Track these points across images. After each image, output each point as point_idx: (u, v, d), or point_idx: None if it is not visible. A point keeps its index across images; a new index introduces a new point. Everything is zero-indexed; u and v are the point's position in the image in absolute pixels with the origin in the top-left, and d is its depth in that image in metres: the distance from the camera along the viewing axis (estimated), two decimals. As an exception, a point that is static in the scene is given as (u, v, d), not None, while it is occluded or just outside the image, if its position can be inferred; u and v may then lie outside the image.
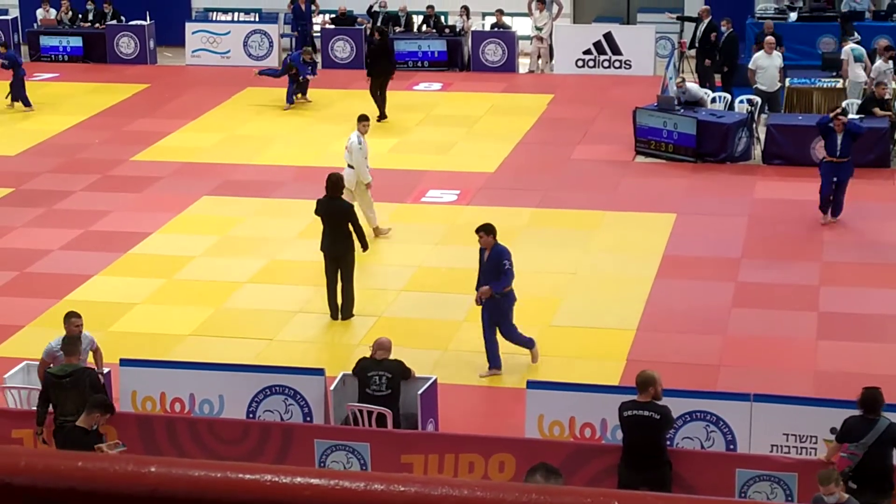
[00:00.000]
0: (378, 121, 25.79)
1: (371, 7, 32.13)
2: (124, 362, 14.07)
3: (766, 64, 24.92)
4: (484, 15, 32.12)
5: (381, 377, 13.27)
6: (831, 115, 19.93)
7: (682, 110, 23.57)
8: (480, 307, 15.27)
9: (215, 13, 33.83)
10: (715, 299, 17.35)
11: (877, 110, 23.07)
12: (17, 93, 27.76)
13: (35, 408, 12.84)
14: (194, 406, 13.79)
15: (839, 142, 19.52)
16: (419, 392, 13.25)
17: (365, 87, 27.31)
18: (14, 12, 34.28)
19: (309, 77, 27.71)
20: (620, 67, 30.19)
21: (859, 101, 23.80)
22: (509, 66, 30.85)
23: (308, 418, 13.53)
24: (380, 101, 26.11)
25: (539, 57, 31.07)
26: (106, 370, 13.69)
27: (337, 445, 12.67)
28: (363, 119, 19.79)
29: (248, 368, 14.25)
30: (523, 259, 18.96)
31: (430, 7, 31.51)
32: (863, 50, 25.18)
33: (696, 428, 12.62)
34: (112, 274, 18.62)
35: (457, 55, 31.12)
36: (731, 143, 23.07)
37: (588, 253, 19.13)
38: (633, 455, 11.88)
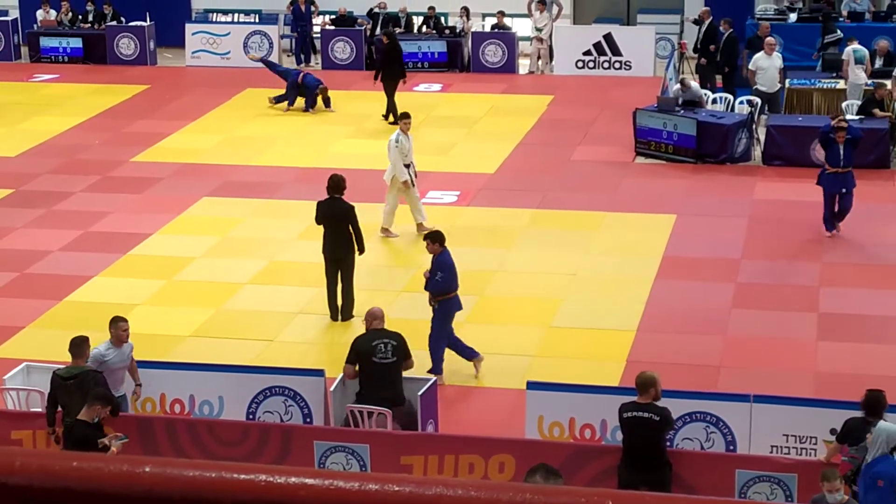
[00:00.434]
0: (390, 123, 25.88)
1: (371, 8, 32.13)
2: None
3: (766, 65, 24.93)
4: (484, 16, 32.12)
5: (387, 344, 13.33)
6: (833, 123, 19.52)
7: (682, 111, 23.56)
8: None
9: (215, 14, 33.82)
10: (715, 300, 17.35)
11: (876, 111, 23.08)
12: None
13: (34, 409, 12.84)
14: (194, 407, 13.79)
15: (842, 152, 19.11)
16: (419, 393, 13.24)
17: (365, 89, 27.32)
18: (14, 13, 34.28)
19: (309, 111, 27.48)
20: (620, 68, 30.19)
21: (859, 103, 23.81)
22: (509, 67, 30.84)
23: (308, 419, 13.53)
24: (390, 104, 26.10)
25: (539, 58, 31.07)
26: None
27: (336, 447, 12.67)
28: (403, 117, 19.88)
29: (248, 370, 14.24)
30: (523, 260, 18.99)
31: (431, 8, 31.51)
32: (865, 52, 25.18)
33: (696, 429, 12.62)
34: (112, 275, 18.62)
35: (457, 56, 31.12)
36: (731, 144, 23.07)
37: (588, 254, 19.13)
38: (633, 456, 11.88)
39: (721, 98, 25.14)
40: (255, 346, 16.23)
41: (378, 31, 31.61)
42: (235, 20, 33.42)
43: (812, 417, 12.48)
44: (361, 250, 16.73)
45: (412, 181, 19.52)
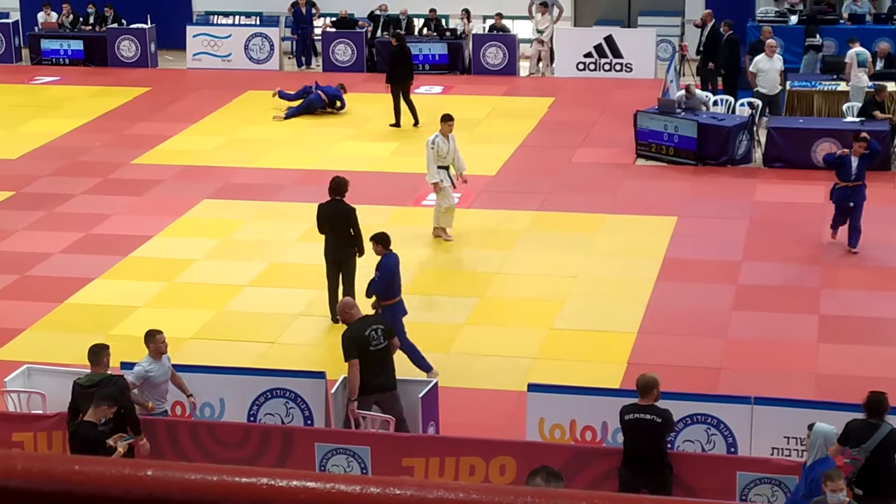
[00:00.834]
0: (391, 126, 25.93)
1: (373, 11, 32.14)
2: (125, 366, 14.04)
3: (767, 67, 24.93)
4: (485, 18, 32.12)
5: (377, 330, 13.40)
6: (854, 142, 18.87)
7: (682, 113, 23.57)
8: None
9: (216, 16, 33.82)
10: (716, 302, 17.35)
11: (877, 113, 23.08)
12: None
13: (35, 412, 12.82)
14: (195, 409, 13.78)
15: (854, 166, 18.74)
16: (420, 395, 13.24)
17: (366, 91, 27.36)
18: (15, 15, 34.31)
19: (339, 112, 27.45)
20: (621, 70, 30.20)
21: (860, 105, 23.81)
22: (510, 69, 30.86)
23: (309, 422, 13.53)
24: (409, 107, 26.06)
25: (540, 60, 31.08)
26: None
27: (337, 449, 12.67)
28: (443, 119, 19.59)
29: (249, 372, 14.24)
30: (524, 262, 18.99)
31: (432, 10, 31.52)
32: (867, 54, 25.18)
33: (697, 431, 12.61)
34: (113, 277, 18.62)
35: (458, 58, 31.13)
36: (732, 146, 23.07)
37: (589, 256, 19.13)
38: (634, 458, 11.88)
39: (722, 100, 25.15)
40: (256, 348, 16.23)
41: (379, 33, 31.65)
42: (236, 22, 33.42)
43: (813, 419, 12.44)
44: (361, 252, 16.71)
45: (453, 184, 19.43)
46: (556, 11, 31.16)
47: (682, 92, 24.32)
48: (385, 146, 25.07)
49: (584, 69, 30.39)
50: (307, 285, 17.90)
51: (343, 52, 31.43)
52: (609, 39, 30.35)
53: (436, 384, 13.62)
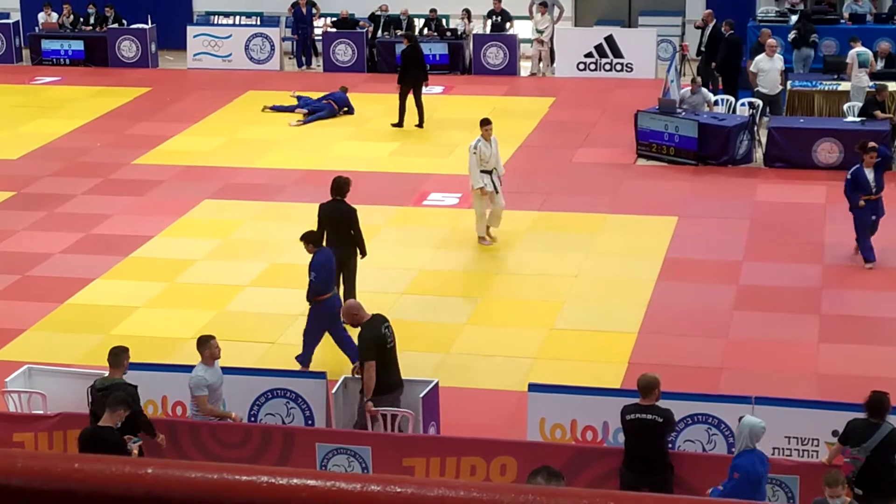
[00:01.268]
0: (393, 126, 25.90)
1: (374, 12, 32.12)
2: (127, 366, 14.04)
3: (768, 67, 24.93)
4: (485, 18, 32.09)
5: (389, 328, 13.44)
6: (863, 153, 18.17)
7: (683, 113, 23.56)
8: None
9: (216, 17, 33.82)
10: (716, 302, 17.34)
11: (878, 113, 23.08)
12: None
13: (36, 412, 12.81)
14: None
15: (872, 177, 18.06)
16: (421, 395, 13.24)
17: (366, 91, 27.33)
18: (16, 16, 34.32)
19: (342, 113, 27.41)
20: (622, 70, 30.20)
21: (860, 104, 23.80)
22: (511, 69, 30.85)
23: (310, 422, 13.53)
24: (418, 107, 26.01)
25: (540, 60, 31.08)
26: (107, 374, 13.63)
27: (338, 449, 12.67)
28: (482, 123, 19.35)
29: (250, 372, 14.24)
30: (525, 262, 18.99)
31: (433, 10, 31.51)
32: (869, 54, 25.18)
33: (698, 431, 12.61)
34: (113, 277, 18.62)
35: (458, 58, 31.13)
36: (733, 146, 23.06)
37: (590, 256, 19.12)
38: (635, 458, 11.87)
39: (722, 100, 25.14)
40: (256, 348, 16.23)
41: (380, 33, 31.65)
42: (237, 22, 33.42)
43: (814, 419, 12.48)
44: (363, 254, 16.69)
45: (496, 188, 19.22)
46: (556, 11, 31.15)
47: (687, 89, 24.30)
48: (386, 146, 25.06)
49: (584, 69, 30.39)
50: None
51: (343, 52, 31.43)
52: (609, 39, 30.34)
53: (436, 384, 13.62)
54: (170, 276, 18.59)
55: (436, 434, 13.32)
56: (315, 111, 27.09)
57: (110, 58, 32.30)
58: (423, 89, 26.27)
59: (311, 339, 15.35)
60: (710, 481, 11.89)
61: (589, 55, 30.34)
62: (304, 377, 13.93)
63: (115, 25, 32.68)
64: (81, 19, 33.18)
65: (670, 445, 12.21)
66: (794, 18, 29.59)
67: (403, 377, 13.74)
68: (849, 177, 18.21)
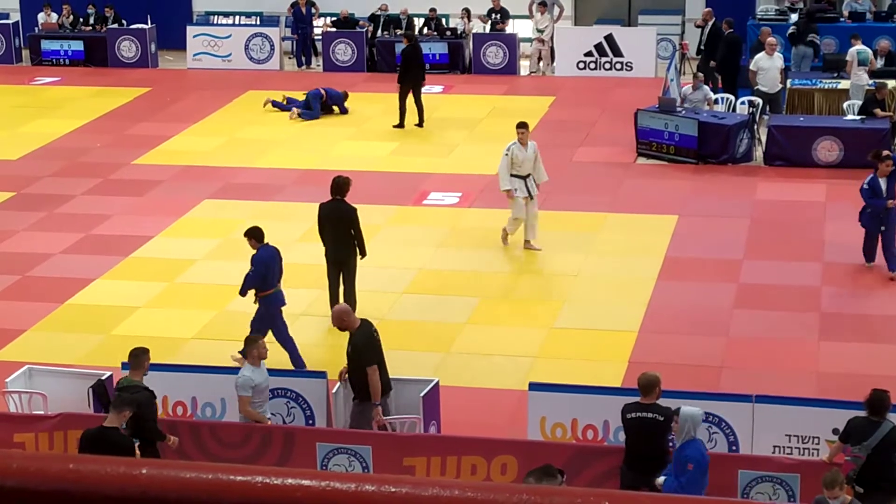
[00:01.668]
0: (394, 127, 25.88)
1: (374, 12, 32.11)
2: (126, 366, 14.03)
3: (768, 65, 24.93)
4: (483, 17, 32.07)
5: (377, 332, 13.48)
6: (878, 162, 17.75)
7: (683, 112, 23.56)
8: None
9: (216, 17, 33.82)
10: (717, 300, 17.34)
11: (877, 111, 23.08)
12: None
13: (36, 412, 12.81)
14: (196, 409, 13.79)
15: (884, 187, 17.63)
16: (422, 394, 13.24)
17: (366, 91, 27.32)
18: (15, 16, 34.32)
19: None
20: (622, 69, 30.20)
21: (860, 103, 23.80)
22: (510, 68, 30.85)
23: (310, 421, 13.53)
24: (418, 107, 25.98)
25: (540, 59, 31.07)
26: (108, 374, 13.67)
27: (339, 448, 12.67)
28: (517, 127, 19.05)
29: (250, 372, 14.21)
30: (525, 261, 18.99)
31: (432, 10, 31.51)
32: (869, 53, 25.19)
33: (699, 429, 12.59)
34: (114, 277, 18.62)
35: (458, 58, 31.12)
36: (733, 145, 23.06)
37: (590, 255, 19.12)
38: (636, 457, 11.87)
39: (722, 99, 25.13)
40: (257, 348, 16.20)
41: (379, 33, 31.65)
42: (236, 22, 33.42)
43: (814, 417, 12.48)
44: (363, 254, 16.68)
45: (530, 194, 18.79)
46: (556, 10, 31.14)
47: (688, 87, 24.29)
48: (385, 146, 25.06)
49: (584, 68, 30.39)
50: (308, 285, 17.88)
51: (343, 51, 31.43)
52: (609, 38, 30.34)
53: (437, 383, 13.62)
54: (170, 276, 18.59)
55: (436, 433, 13.32)
56: (308, 107, 27.13)
57: (110, 58, 32.30)
58: (423, 89, 26.25)
59: (286, 337, 15.37)
60: (711, 480, 11.89)
61: (589, 54, 30.34)
62: (305, 377, 13.92)
63: (115, 25, 32.67)
64: (81, 19, 33.18)
65: (671, 444, 12.20)
66: (793, 17, 29.57)
67: (404, 376, 13.77)
68: (866, 186, 17.70)
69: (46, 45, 32.63)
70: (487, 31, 31.49)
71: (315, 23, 32.34)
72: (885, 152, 18.34)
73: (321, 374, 13.80)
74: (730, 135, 23.02)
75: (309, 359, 15.72)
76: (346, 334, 13.48)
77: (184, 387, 13.86)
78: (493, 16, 31.45)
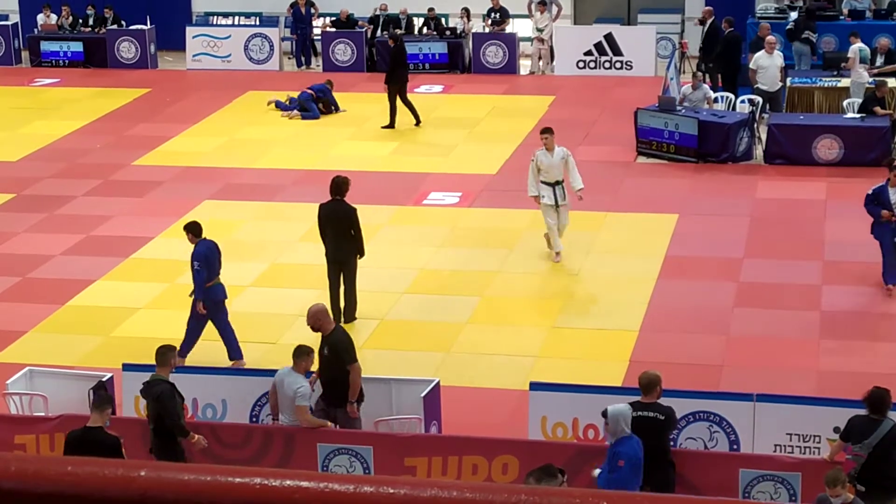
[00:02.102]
0: (383, 128, 25.89)
1: (374, 14, 32.09)
2: (127, 367, 14.05)
3: (768, 64, 24.91)
4: (484, 17, 32.08)
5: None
6: (890, 171, 17.13)
7: (683, 111, 23.56)
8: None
9: (216, 17, 33.82)
10: (717, 299, 17.34)
11: (877, 109, 23.07)
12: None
13: (37, 413, 12.82)
14: (197, 410, 13.78)
15: (894, 199, 17.04)
16: (422, 394, 13.23)
17: (366, 90, 27.34)
18: (14, 17, 34.31)
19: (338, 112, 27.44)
20: (621, 68, 30.19)
21: (860, 101, 23.79)
22: (510, 67, 30.84)
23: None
24: (409, 107, 25.97)
25: (540, 58, 31.07)
26: (108, 375, 13.67)
27: (340, 449, 12.66)
28: (543, 132, 18.67)
29: (251, 372, 14.24)
30: (525, 260, 18.98)
31: (431, 9, 31.51)
32: (868, 51, 25.20)
33: (700, 428, 12.61)
34: (114, 279, 18.61)
35: (458, 57, 31.12)
36: (733, 143, 23.05)
37: (590, 254, 19.11)
38: (637, 456, 11.87)
39: (722, 97, 25.13)
40: (257, 348, 16.22)
41: (379, 32, 31.64)
42: (236, 23, 33.42)
43: (815, 416, 12.47)
44: (361, 253, 16.68)
45: (556, 202, 18.37)
46: (554, 9, 31.12)
47: (688, 86, 24.29)
48: (385, 146, 25.06)
49: (584, 67, 30.38)
50: (308, 286, 17.88)
51: (343, 51, 31.42)
52: (609, 37, 30.33)
53: (438, 383, 13.61)
54: (170, 277, 18.57)
55: (437, 433, 13.32)
56: (304, 109, 27.17)
57: (109, 59, 32.29)
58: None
59: (227, 329, 15.57)
60: (712, 478, 11.90)
61: (588, 53, 30.34)
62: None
63: (114, 26, 32.66)
64: (80, 21, 33.17)
65: (672, 443, 12.20)
66: (793, 15, 29.57)
67: (404, 376, 13.78)
68: (870, 192, 17.30)
69: (46, 46, 32.63)
70: (487, 30, 31.47)
71: (314, 23, 32.34)
72: None
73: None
74: (730, 133, 23.02)
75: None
76: (352, 335, 13.50)
77: (184, 388, 13.76)
78: (493, 15, 31.45)
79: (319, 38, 32.03)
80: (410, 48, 30.49)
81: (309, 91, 27.32)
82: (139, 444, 12.78)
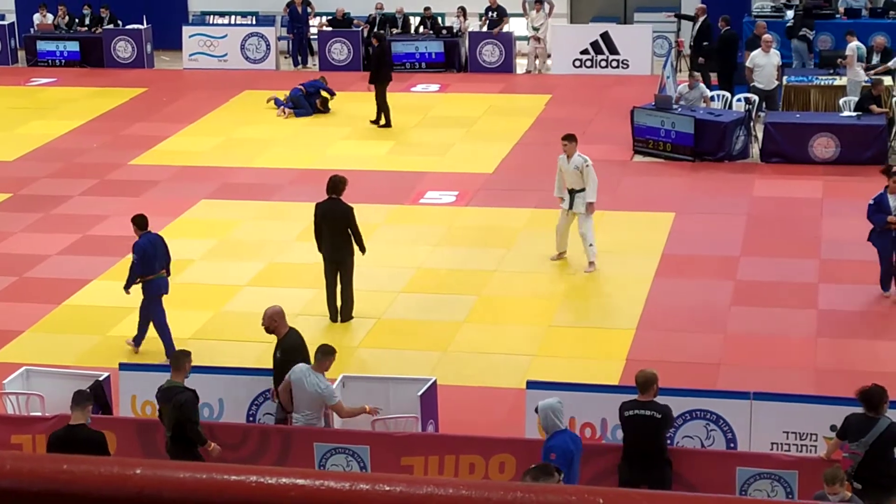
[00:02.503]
0: (380, 126, 25.92)
1: (371, 14, 32.09)
2: (124, 366, 14.06)
3: (764, 62, 24.92)
4: (481, 16, 32.09)
5: None
6: (888, 178, 16.83)
7: (679, 109, 23.56)
8: None
9: (212, 17, 33.81)
10: (714, 298, 17.34)
11: (874, 107, 23.08)
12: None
13: (34, 413, 12.82)
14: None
15: (893, 204, 16.80)
16: (419, 393, 13.23)
17: (362, 90, 27.31)
18: (11, 17, 34.30)
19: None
20: (618, 67, 30.19)
21: (856, 99, 23.80)
22: (507, 66, 30.85)
23: (308, 421, 13.50)
24: (384, 107, 25.99)
25: (536, 57, 31.07)
26: (105, 375, 13.66)
27: (337, 448, 12.66)
28: (562, 138, 18.48)
29: (248, 372, 14.22)
30: (522, 260, 18.97)
31: (427, 8, 31.50)
32: (864, 49, 25.22)
33: (697, 427, 12.61)
34: (110, 278, 18.58)
35: (454, 56, 31.12)
36: (729, 142, 23.06)
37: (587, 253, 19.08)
38: (634, 454, 11.87)
39: (718, 96, 25.14)
40: (254, 348, 16.19)
41: (376, 31, 31.64)
42: (232, 22, 33.41)
43: (812, 414, 12.47)
44: (363, 251, 16.69)
45: (570, 206, 18.18)
46: (546, 6, 31.08)
47: (684, 85, 24.29)
48: (382, 145, 25.06)
49: (580, 66, 30.38)
50: (305, 285, 17.89)
51: (339, 51, 31.42)
52: (605, 36, 30.34)
53: (434, 382, 13.61)
54: (167, 276, 18.56)
55: (434, 432, 13.32)
56: (295, 105, 27.20)
57: (106, 58, 32.28)
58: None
59: (163, 325, 15.68)
60: (709, 477, 11.90)
61: (585, 52, 30.34)
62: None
63: (111, 26, 32.65)
64: (77, 20, 33.15)
65: (669, 441, 12.20)
66: (789, 14, 29.59)
67: (402, 375, 13.78)
68: (871, 202, 17.03)
69: (42, 45, 32.62)
70: (483, 30, 31.46)
71: (311, 22, 32.34)
72: (895, 168, 17.94)
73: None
74: (726, 132, 23.02)
75: (306, 358, 15.70)
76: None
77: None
78: (490, 14, 31.44)
79: (316, 37, 32.03)
80: (407, 47, 30.54)
81: (300, 87, 27.34)
82: (135, 443, 12.79)
